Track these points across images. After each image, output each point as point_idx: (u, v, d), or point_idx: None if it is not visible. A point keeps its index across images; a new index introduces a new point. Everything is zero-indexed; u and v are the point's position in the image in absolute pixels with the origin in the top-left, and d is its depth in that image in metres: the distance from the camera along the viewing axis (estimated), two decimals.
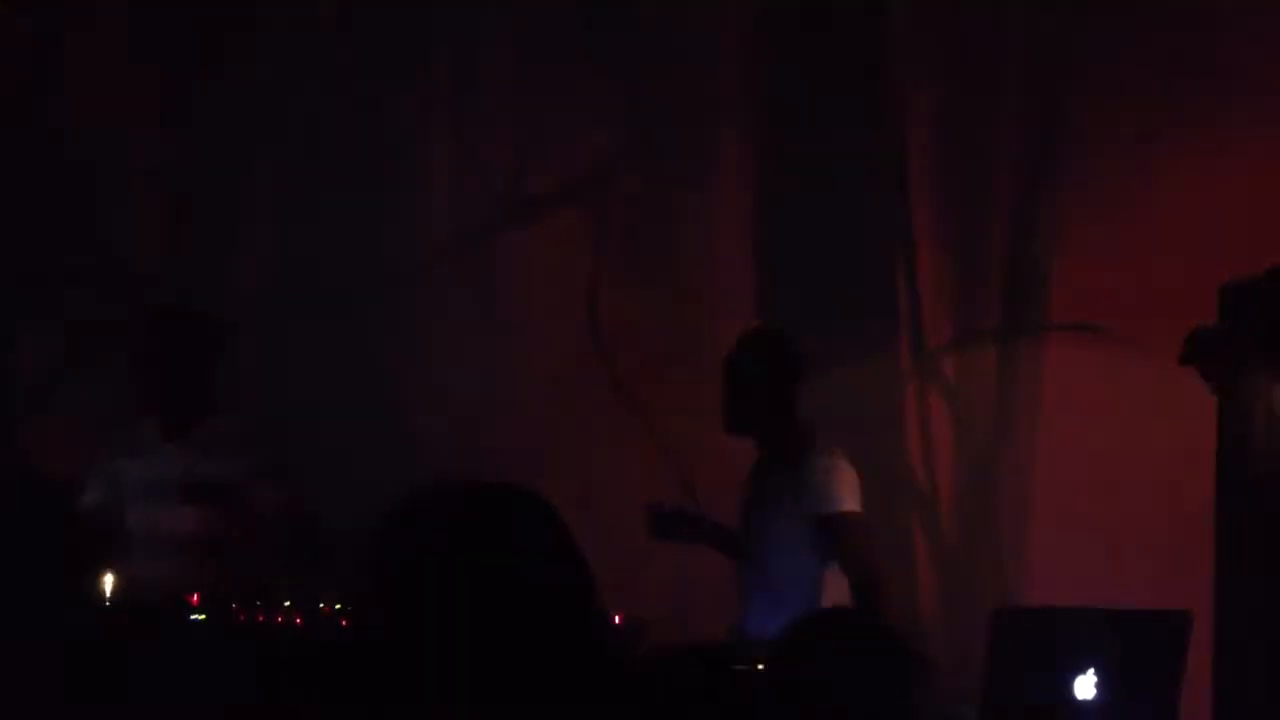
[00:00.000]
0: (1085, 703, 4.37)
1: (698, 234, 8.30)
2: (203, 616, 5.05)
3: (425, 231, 8.39)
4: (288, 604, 5.12)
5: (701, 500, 6.95)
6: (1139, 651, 4.52)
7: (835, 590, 5.42)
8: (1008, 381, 8.04)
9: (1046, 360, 7.99)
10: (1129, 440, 7.57)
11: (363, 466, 7.41)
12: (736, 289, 8.19)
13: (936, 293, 8.11)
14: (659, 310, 8.21)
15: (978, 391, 8.08)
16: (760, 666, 4.77)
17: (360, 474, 6.94)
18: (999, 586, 7.77)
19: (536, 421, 8.05)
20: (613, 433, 8.05)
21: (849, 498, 5.45)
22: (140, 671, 4.18)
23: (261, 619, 5.09)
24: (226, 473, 5.73)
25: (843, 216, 8.00)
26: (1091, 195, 7.87)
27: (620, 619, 5.45)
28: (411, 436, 8.10)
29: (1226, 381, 5.58)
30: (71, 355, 8.11)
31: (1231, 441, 5.60)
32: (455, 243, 8.40)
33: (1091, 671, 4.35)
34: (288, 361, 8.13)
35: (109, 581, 5.10)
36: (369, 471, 7.16)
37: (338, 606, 5.06)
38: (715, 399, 5.77)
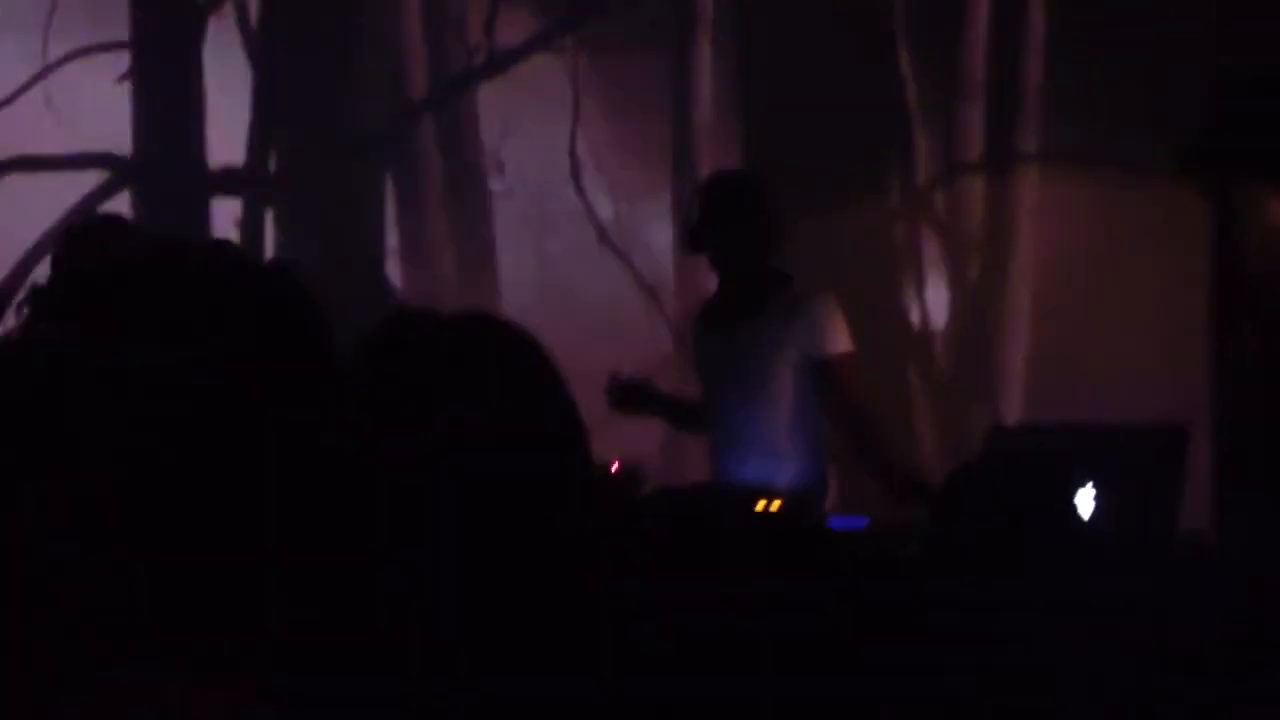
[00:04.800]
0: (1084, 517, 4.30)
1: (680, 75, 8.20)
2: None
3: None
4: None
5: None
6: (1137, 465, 4.45)
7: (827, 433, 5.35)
8: (997, 212, 7.97)
9: (1035, 188, 7.91)
10: (1120, 263, 7.49)
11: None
12: (722, 128, 8.11)
13: (923, 126, 8.01)
14: (642, 151, 8.13)
15: (968, 225, 8.02)
16: (775, 507, 4.66)
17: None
18: (993, 415, 7.72)
19: (521, 271, 7.98)
20: (600, 280, 7.99)
21: (847, 338, 5.35)
22: None
23: None
24: None
25: (829, 56, 7.86)
26: (1074, 13, 7.74)
27: (619, 465, 5.37)
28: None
29: (1221, 192, 5.47)
30: None
31: (1226, 253, 5.51)
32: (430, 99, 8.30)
33: (1090, 485, 4.28)
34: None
35: None
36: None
37: None
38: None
